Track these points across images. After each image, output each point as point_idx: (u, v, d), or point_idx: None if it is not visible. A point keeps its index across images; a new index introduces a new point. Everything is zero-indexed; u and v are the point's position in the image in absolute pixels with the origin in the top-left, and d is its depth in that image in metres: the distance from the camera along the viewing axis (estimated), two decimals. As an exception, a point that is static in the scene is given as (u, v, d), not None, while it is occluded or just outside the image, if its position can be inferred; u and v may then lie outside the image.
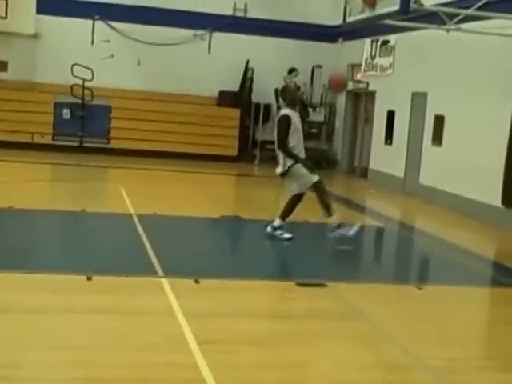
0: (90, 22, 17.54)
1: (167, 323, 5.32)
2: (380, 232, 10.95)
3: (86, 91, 16.87)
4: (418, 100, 14.11)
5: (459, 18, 9.97)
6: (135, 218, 9.24)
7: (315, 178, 8.51)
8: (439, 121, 13.19)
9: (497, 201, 10.52)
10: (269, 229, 8.64)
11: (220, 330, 5.29)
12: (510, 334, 5.87)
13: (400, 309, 6.38)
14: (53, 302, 5.65)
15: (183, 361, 4.61)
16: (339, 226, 8.58)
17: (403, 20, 11.37)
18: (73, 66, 16.69)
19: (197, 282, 6.43)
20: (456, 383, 4.64)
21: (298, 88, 18.22)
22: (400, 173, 14.64)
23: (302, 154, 8.69)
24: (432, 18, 10.71)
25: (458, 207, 11.88)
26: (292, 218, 8.62)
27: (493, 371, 4.99)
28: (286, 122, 8.48)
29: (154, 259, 7.15)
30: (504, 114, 10.45)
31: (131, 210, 9.82)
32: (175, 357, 4.69)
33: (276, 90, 18.22)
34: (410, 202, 13.57)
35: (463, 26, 10.20)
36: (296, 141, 8.56)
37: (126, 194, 11.18)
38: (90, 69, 16.74)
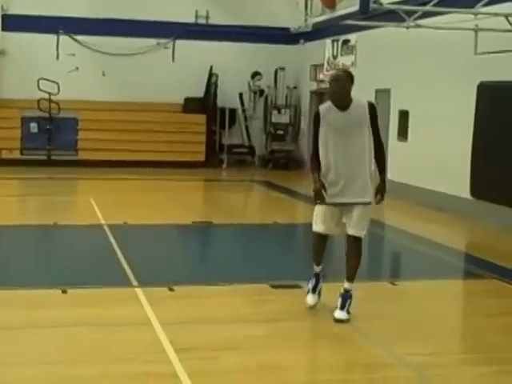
0: (55, 36, 17.39)
1: (144, 333, 5.21)
2: (351, 229, 10.89)
3: (52, 105, 16.68)
4: (382, 96, 14.13)
5: (417, 14, 9.99)
6: (106, 229, 9.08)
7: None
8: (404, 116, 13.23)
9: (465, 192, 10.55)
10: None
11: (197, 337, 5.19)
12: (487, 325, 5.83)
13: (376, 306, 6.31)
14: (28, 318, 5.50)
15: (162, 370, 4.51)
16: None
17: (364, 19, 11.36)
18: (39, 80, 16.47)
19: (171, 289, 6.32)
20: (438, 379, 4.58)
21: (262, 91, 18.23)
22: (367, 169, 14.60)
23: None
24: (391, 15, 10.72)
25: (427, 201, 11.90)
26: (262, 219, 8.50)
27: (473, 365, 4.94)
28: None
29: (127, 269, 7.02)
30: (467, 106, 10.49)
31: (102, 221, 9.65)
32: (154, 366, 4.58)
33: (240, 94, 18.20)
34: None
35: (422, 22, 10.22)
36: None
37: (96, 205, 10.99)
38: (56, 83, 16.58)
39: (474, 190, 10.24)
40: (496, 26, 9.50)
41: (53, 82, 16.53)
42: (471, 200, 10.43)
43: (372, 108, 5.68)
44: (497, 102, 9.90)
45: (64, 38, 17.48)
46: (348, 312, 5.57)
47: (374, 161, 5.64)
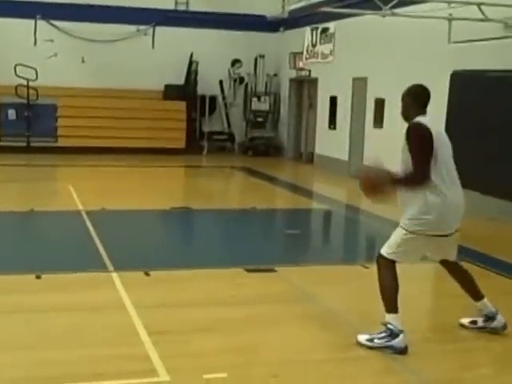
0: (32, 21, 17.14)
1: (118, 317, 5.23)
2: (327, 215, 11.00)
3: (30, 91, 16.48)
4: (359, 85, 14.19)
5: (394, 2, 10.01)
6: (84, 215, 9.05)
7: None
8: (379, 104, 13.29)
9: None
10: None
11: (171, 320, 5.22)
12: (455, 305, 5.92)
13: (349, 288, 6.39)
14: (0, 303, 5.47)
15: (135, 353, 4.53)
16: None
17: (340, 7, 11.39)
18: (16, 66, 16.26)
19: (147, 274, 6.33)
20: (405, 356, 4.65)
21: (242, 79, 18.22)
22: (344, 156, 14.71)
23: None
24: (368, 4, 10.76)
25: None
26: (240, 204, 8.53)
27: (441, 342, 5.03)
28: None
29: (103, 254, 7.02)
30: (440, 94, 10.55)
31: (80, 207, 9.62)
32: (126, 350, 4.60)
33: (220, 82, 18.16)
34: (355, 184, 13.57)
35: (398, 10, 10.26)
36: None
37: (74, 191, 10.94)
38: (34, 68, 16.36)
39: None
40: (469, 16, 9.57)
41: (31, 67, 16.32)
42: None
43: (407, 131, 4.97)
44: (469, 91, 9.99)
45: (42, 24, 17.25)
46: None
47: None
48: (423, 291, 6.74)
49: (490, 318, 5.05)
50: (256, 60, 18.18)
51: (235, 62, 18.04)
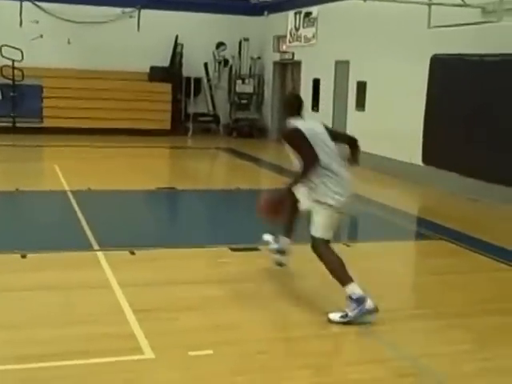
0: (18, 3, 16.82)
1: (103, 295, 5.17)
2: (310, 195, 10.94)
3: (16, 72, 16.23)
4: (341, 68, 14.11)
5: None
6: (70, 195, 8.92)
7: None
8: (361, 87, 13.23)
9: (417, 159, 10.65)
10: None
11: (157, 299, 5.18)
12: (435, 282, 5.95)
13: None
14: (-15, 282, 5.39)
15: (120, 331, 4.48)
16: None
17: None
18: (1, 47, 16.02)
19: (132, 253, 6.27)
20: (385, 333, 4.65)
21: (226, 61, 18.06)
22: (327, 138, 14.63)
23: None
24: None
25: (382, 167, 11.99)
26: (225, 185, 8.44)
27: (421, 319, 5.04)
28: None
29: (89, 233, 6.93)
30: (420, 77, 10.54)
31: (66, 187, 9.48)
32: (112, 328, 4.55)
33: (205, 64, 17.99)
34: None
35: (379, -6, 10.19)
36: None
37: (60, 171, 10.80)
38: (20, 50, 16.10)
39: (426, 157, 10.35)
40: (448, 1, 9.52)
41: (16, 48, 16.06)
42: (423, 167, 10.54)
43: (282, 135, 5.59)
44: (448, 74, 9.96)
45: (27, 5, 16.94)
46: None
47: None
48: (406, 269, 6.74)
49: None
50: (240, 43, 18.02)
51: (220, 45, 17.87)
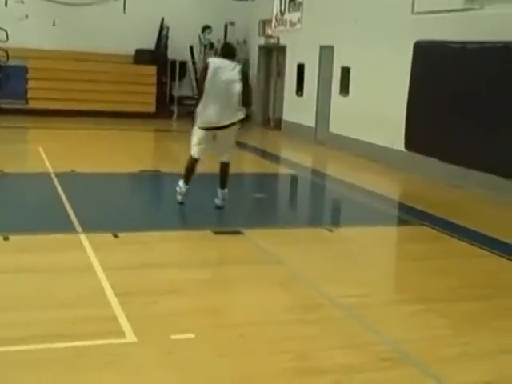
0: (3, -18, 16.53)
1: (86, 278, 5.10)
2: (294, 179, 10.91)
3: (0, 52, 15.90)
4: (326, 53, 14.02)
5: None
6: (53, 177, 8.80)
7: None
8: (345, 72, 13.16)
9: (400, 145, 10.63)
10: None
11: (139, 282, 5.12)
12: (415, 268, 5.94)
13: (313, 251, 6.35)
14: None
15: (102, 314, 4.42)
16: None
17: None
18: (-14, 27, 15.72)
19: (115, 236, 6.18)
20: (367, 317, 4.63)
21: (212, 45, 17.88)
22: (311, 123, 14.60)
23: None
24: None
25: (365, 153, 11.97)
26: (208, 168, 8.36)
27: (402, 304, 5.04)
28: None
29: (72, 216, 6.83)
30: (403, 64, 10.47)
31: (50, 169, 9.34)
32: (93, 311, 4.48)
33: (191, 47, 17.79)
34: (321, 150, 13.59)
35: (365, -20, 10.09)
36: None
37: (44, 153, 10.63)
38: (5, 30, 15.83)
39: (408, 143, 10.32)
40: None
41: (1, 29, 15.80)
42: (405, 152, 10.52)
43: None
44: (431, 61, 9.91)
45: (13, -15, 16.66)
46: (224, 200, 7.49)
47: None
48: (387, 254, 6.74)
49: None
50: (226, 27, 17.84)
51: (205, 28, 17.66)
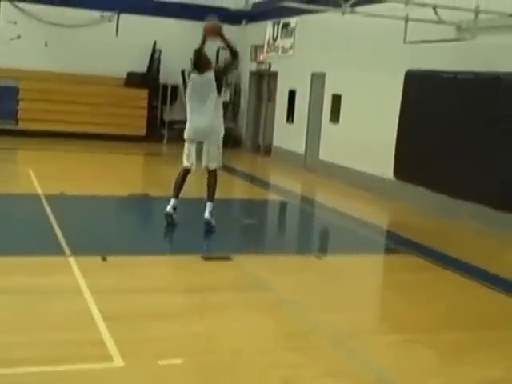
0: (-5, 2, 16.73)
1: (74, 301, 5.13)
2: (283, 206, 11.01)
3: (-9, 72, 16.06)
4: (317, 80, 14.23)
5: (353, 1, 10.03)
6: (43, 199, 8.84)
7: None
8: (336, 100, 13.35)
9: (389, 174, 10.77)
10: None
11: (127, 306, 5.15)
12: (403, 297, 6.02)
13: (301, 278, 6.41)
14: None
15: (89, 338, 4.44)
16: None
17: (302, 2, 11.37)
18: (-23, 47, 15.84)
19: (104, 259, 6.23)
20: (354, 345, 4.69)
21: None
22: (301, 149, 14.75)
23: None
24: (329, 0, 10.78)
25: (354, 181, 12.10)
26: (198, 193, 8.45)
27: (389, 332, 5.10)
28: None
29: (61, 238, 6.87)
30: (394, 93, 10.68)
31: (39, 191, 9.39)
32: (81, 334, 4.51)
33: (183, 71, 17.96)
34: (310, 177, 13.72)
35: (357, 9, 10.28)
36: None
37: (34, 175, 10.68)
38: (-4, 50, 15.97)
39: (397, 172, 10.47)
40: (424, 17, 9.67)
41: (-8, 49, 15.96)
42: (393, 181, 10.66)
43: None
44: (422, 90, 10.11)
45: (6, 5, 16.78)
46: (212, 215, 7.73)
47: None
48: (374, 282, 6.80)
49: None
50: (218, 51, 18.03)
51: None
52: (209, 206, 7.78)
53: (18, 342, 4.30)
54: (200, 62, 7.64)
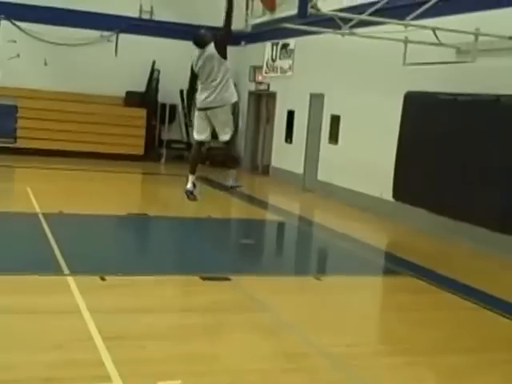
0: (-4, 21, 16.85)
1: (72, 321, 5.12)
2: (281, 226, 11.03)
3: (-10, 91, 16.13)
4: (316, 101, 14.32)
5: (353, 23, 10.14)
6: (41, 218, 8.86)
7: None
8: (335, 120, 13.43)
9: (388, 194, 10.81)
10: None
11: (126, 326, 5.15)
12: (402, 319, 6.02)
13: (300, 299, 6.42)
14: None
15: (88, 358, 4.44)
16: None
17: (301, 24, 11.48)
18: (-23, 65, 15.93)
19: (103, 279, 6.23)
20: (352, 368, 4.69)
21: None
22: (299, 170, 14.81)
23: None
24: (328, 22, 10.86)
25: (352, 201, 12.13)
26: (196, 213, 8.47)
27: (388, 355, 5.10)
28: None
29: (59, 257, 6.88)
30: (393, 113, 10.74)
31: (37, 210, 9.41)
32: (80, 354, 4.50)
33: (181, 91, 18.07)
34: (309, 198, 13.75)
35: (357, 30, 10.39)
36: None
37: (32, 193, 10.70)
38: (-4, 68, 16.07)
39: (396, 193, 10.50)
40: (424, 39, 9.76)
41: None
42: (394, 202, 10.69)
43: None
44: (421, 111, 10.17)
45: (5, 24, 16.91)
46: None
47: None
48: (373, 304, 6.81)
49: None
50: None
51: (196, 72, 17.97)
52: (231, 173, 8.15)
53: (17, 362, 4.29)
54: (199, 38, 7.83)
